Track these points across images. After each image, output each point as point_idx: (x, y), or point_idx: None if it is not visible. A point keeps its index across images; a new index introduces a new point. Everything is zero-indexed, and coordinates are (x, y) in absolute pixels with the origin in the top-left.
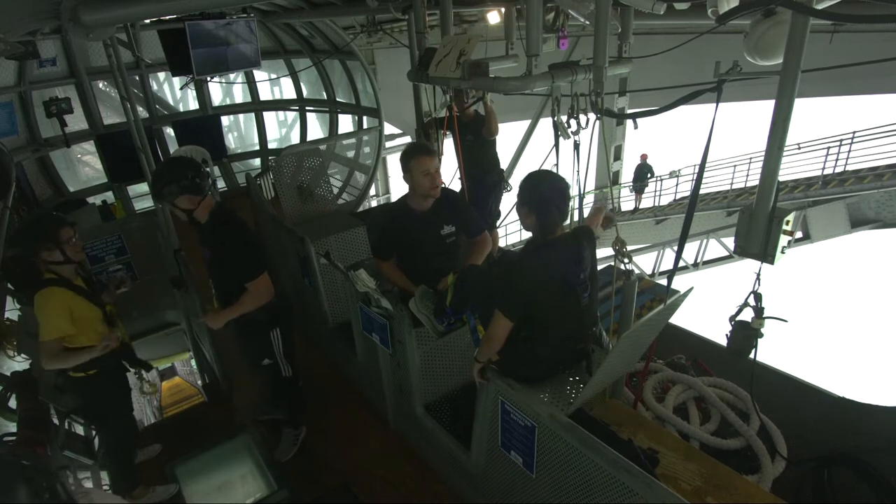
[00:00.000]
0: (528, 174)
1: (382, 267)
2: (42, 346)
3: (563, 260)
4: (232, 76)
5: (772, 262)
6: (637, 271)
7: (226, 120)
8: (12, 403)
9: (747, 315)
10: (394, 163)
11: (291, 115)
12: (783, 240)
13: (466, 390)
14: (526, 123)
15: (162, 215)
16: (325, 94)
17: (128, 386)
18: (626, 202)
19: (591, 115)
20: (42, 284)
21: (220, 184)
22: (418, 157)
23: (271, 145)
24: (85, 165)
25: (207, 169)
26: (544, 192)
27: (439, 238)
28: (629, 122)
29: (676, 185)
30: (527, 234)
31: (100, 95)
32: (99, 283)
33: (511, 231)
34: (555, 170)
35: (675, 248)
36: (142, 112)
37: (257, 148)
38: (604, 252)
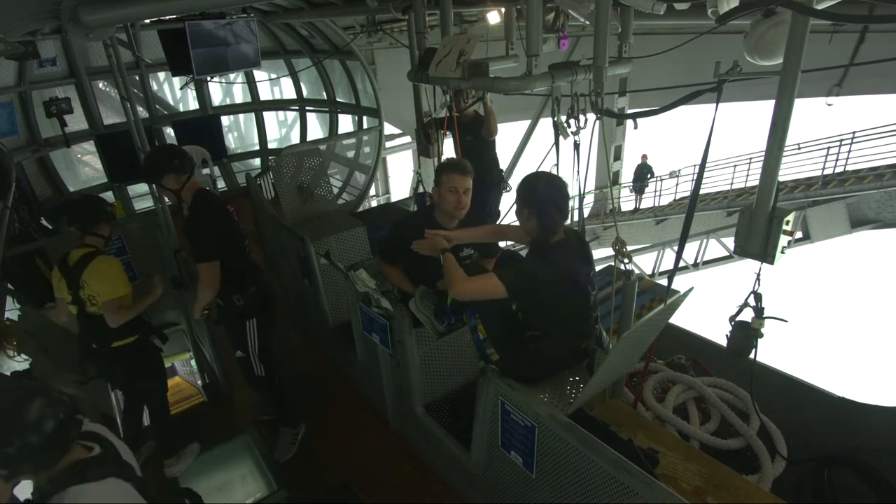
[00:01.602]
0: (526, 176)
1: (385, 269)
2: (114, 303)
3: (573, 259)
4: (232, 76)
5: (772, 262)
6: (637, 271)
7: (226, 120)
8: None
9: (747, 315)
10: (394, 163)
11: (291, 115)
12: (783, 240)
13: (466, 390)
14: (526, 123)
15: (162, 215)
16: (325, 94)
17: (160, 353)
18: (626, 202)
19: (591, 115)
20: (90, 256)
21: (221, 184)
22: (449, 173)
23: (271, 145)
24: (85, 165)
25: (206, 170)
26: (543, 193)
27: (458, 260)
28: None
29: (676, 185)
30: None
31: (100, 95)
32: None
33: None
34: (555, 170)
35: (675, 248)
36: (142, 112)
37: (257, 148)
38: (604, 252)
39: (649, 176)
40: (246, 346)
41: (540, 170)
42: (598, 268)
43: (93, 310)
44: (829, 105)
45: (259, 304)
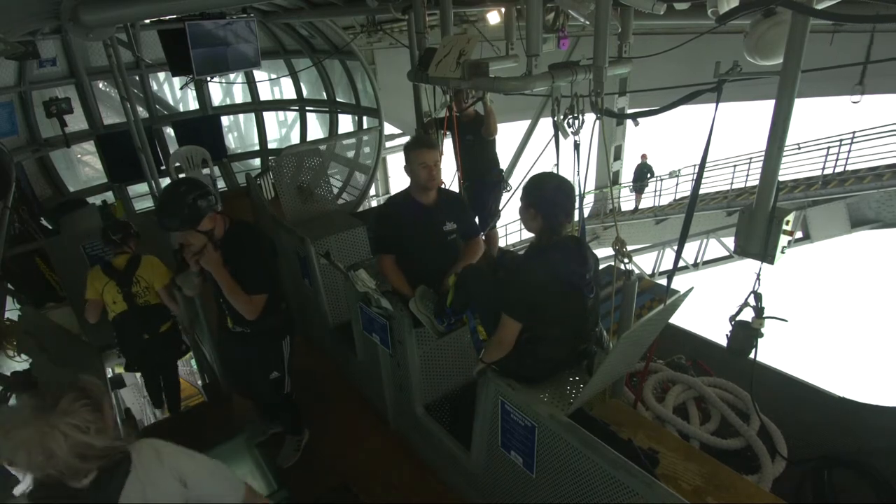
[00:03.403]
0: (534, 176)
1: (385, 263)
2: (167, 289)
3: (567, 261)
4: (232, 76)
5: (772, 262)
6: (637, 271)
7: (226, 120)
8: (12, 403)
9: (747, 315)
10: (394, 163)
11: (291, 115)
12: (783, 240)
13: (466, 390)
14: (526, 123)
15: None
16: (325, 94)
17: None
18: (626, 202)
19: (591, 115)
20: (136, 258)
21: (220, 184)
22: (417, 150)
23: (271, 145)
24: (85, 165)
25: (206, 170)
26: (551, 194)
27: (441, 234)
28: (629, 122)
29: (676, 185)
30: (526, 234)
31: (100, 95)
32: None
33: (511, 231)
34: (555, 170)
35: (675, 248)
36: (142, 112)
37: (257, 148)
38: (604, 252)
39: (649, 176)
40: (282, 366)
41: (547, 171)
42: (599, 268)
43: (142, 301)
44: (856, 102)
45: (291, 321)
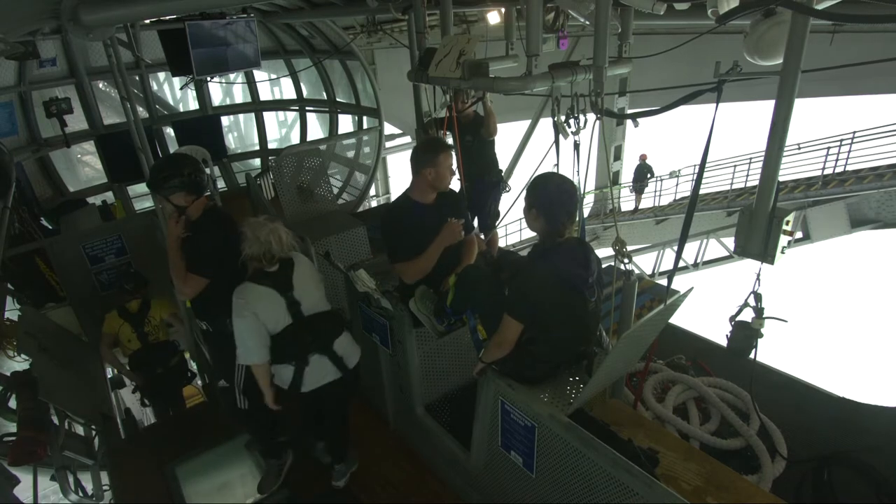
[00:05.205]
0: (537, 176)
1: (407, 266)
2: (174, 314)
3: (570, 263)
4: (232, 76)
5: (772, 262)
6: (637, 271)
7: (226, 120)
8: (12, 403)
9: (747, 315)
10: (394, 163)
11: (291, 115)
12: (783, 240)
13: (466, 390)
14: (526, 123)
15: (162, 215)
16: (325, 94)
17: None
18: (626, 202)
19: (591, 115)
20: (146, 301)
21: (220, 184)
22: (447, 152)
23: (271, 145)
24: (85, 165)
25: (207, 170)
26: (553, 195)
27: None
28: (629, 122)
29: (676, 185)
30: (527, 234)
31: (100, 95)
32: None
33: (511, 231)
34: (555, 170)
35: (675, 248)
36: (142, 112)
37: (257, 148)
38: (604, 252)
39: (649, 176)
40: (232, 377)
41: (549, 171)
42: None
43: (153, 338)
44: None
45: None
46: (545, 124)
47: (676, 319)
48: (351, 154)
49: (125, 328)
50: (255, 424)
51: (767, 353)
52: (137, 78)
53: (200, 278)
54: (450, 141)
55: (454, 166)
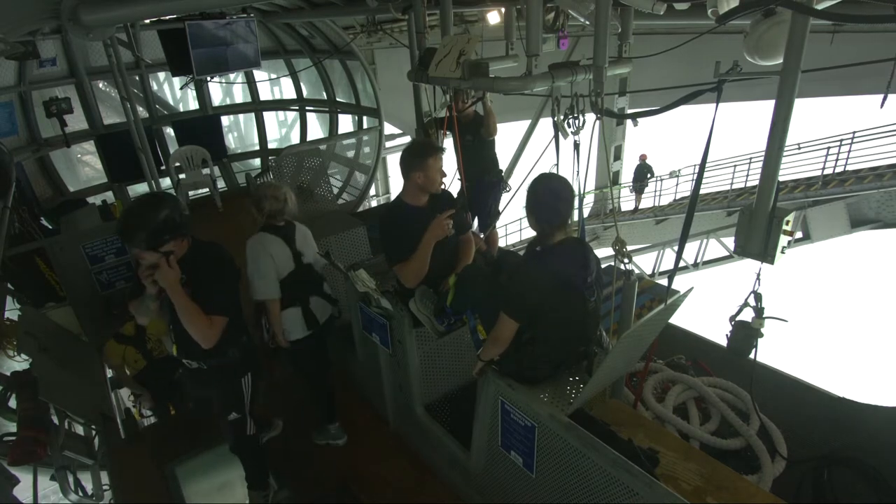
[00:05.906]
0: (535, 178)
1: (402, 268)
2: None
3: (568, 263)
4: (232, 76)
5: (772, 262)
6: (637, 271)
7: (226, 120)
8: (12, 403)
9: (747, 315)
10: (394, 163)
11: (291, 115)
12: (783, 240)
13: (466, 390)
14: (526, 123)
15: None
16: (325, 94)
17: None
18: (626, 202)
19: (591, 115)
20: (141, 327)
21: (221, 184)
22: (435, 155)
23: (271, 145)
24: (85, 165)
25: (206, 170)
26: (541, 197)
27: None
28: (629, 122)
29: (676, 185)
30: (527, 234)
31: (100, 95)
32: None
33: (511, 231)
34: (554, 170)
35: (675, 248)
36: (142, 112)
37: (257, 148)
38: (604, 252)
39: (649, 176)
40: (242, 406)
41: (547, 172)
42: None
43: (157, 354)
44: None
45: (252, 355)
46: (545, 124)
47: (676, 319)
48: (351, 154)
49: (129, 351)
50: (258, 453)
51: (767, 353)
52: (137, 78)
53: (222, 318)
54: (450, 141)
55: (444, 168)
